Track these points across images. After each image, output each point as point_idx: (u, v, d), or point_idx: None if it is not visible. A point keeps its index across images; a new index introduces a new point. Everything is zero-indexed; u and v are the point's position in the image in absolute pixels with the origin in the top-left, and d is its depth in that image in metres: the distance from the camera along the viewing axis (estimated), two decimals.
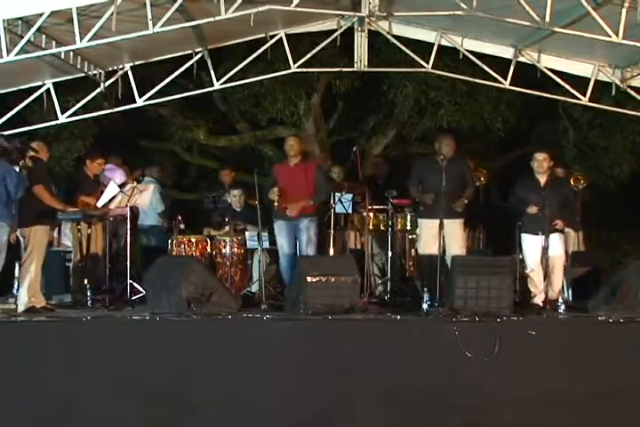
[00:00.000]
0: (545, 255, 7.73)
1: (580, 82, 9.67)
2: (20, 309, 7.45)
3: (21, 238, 7.57)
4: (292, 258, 8.18)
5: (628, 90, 9.51)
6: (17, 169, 7.08)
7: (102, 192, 8.34)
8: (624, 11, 7.60)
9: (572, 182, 9.39)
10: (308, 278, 7.05)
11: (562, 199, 7.97)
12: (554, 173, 8.33)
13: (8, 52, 7.46)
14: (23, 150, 7.23)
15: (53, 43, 8.05)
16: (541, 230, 7.72)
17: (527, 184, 8.04)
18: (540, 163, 7.95)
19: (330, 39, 9.52)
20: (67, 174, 11.36)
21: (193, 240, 8.79)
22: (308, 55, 9.64)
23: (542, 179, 7.98)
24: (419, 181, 8.27)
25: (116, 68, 9.54)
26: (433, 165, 8.02)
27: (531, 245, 7.93)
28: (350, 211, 8.79)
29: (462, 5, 7.81)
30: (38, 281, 7.61)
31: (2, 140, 7.12)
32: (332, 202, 8.46)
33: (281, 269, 8.36)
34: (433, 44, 9.54)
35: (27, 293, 7.48)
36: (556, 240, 7.89)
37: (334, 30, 9.47)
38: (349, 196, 8.81)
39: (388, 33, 9.42)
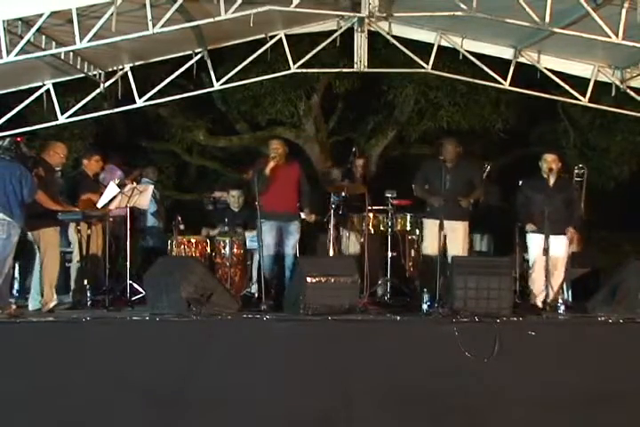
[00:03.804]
0: (548, 255, 7.72)
1: (579, 82, 9.66)
2: (49, 307, 7.54)
3: (32, 241, 7.61)
4: (274, 258, 8.23)
5: (628, 90, 9.51)
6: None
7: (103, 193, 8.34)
8: (624, 11, 7.61)
9: None
10: (308, 279, 7.06)
11: (567, 200, 7.97)
12: (561, 175, 8.31)
13: (8, 52, 7.46)
14: (38, 161, 7.49)
15: (53, 43, 8.05)
16: (548, 231, 7.71)
17: (534, 184, 8.04)
18: (549, 164, 7.94)
19: (330, 40, 9.52)
20: (67, 175, 11.34)
21: (193, 241, 8.80)
22: (308, 56, 9.63)
23: (551, 180, 7.98)
24: (424, 181, 8.30)
25: (115, 68, 9.54)
26: (438, 168, 8.00)
27: (537, 244, 7.90)
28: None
29: (462, 6, 7.81)
30: (56, 279, 7.68)
31: (22, 146, 7.29)
32: (331, 202, 8.45)
33: (264, 267, 8.13)
34: (433, 44, 9.53)
35: (51, 291, 7.59)
36: (562, 242, 7.90)
37: (334, 31, 9.47)
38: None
39: (388, 33, 9.42)
